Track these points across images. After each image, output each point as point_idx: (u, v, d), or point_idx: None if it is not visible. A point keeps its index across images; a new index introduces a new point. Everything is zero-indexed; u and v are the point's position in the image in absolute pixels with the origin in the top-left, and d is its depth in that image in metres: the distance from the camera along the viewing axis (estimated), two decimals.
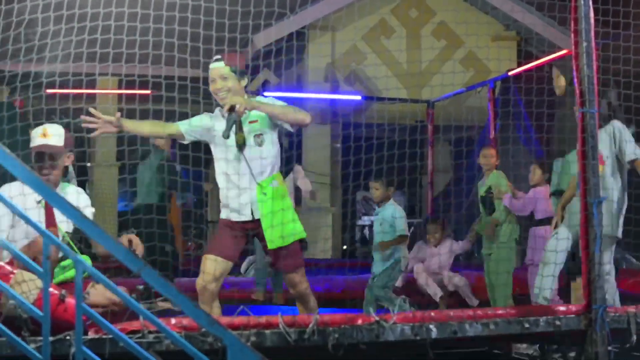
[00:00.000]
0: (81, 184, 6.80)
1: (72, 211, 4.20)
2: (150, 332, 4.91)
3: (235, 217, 6.71)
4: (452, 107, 14.03)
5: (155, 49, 7.17)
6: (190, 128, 6.81)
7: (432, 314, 5.87)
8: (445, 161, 16.22)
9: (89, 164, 15.82)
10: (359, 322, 5.55)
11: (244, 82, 6.83)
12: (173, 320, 5.02)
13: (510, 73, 12.59)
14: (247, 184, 6.60)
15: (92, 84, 7.79)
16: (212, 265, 6.51)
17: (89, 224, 4.21)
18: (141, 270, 4.18)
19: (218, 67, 6.77)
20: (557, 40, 15.18)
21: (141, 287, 7.26)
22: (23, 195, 5.70)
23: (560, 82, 8.66)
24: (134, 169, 11.28)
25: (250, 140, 6.59)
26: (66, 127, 6.30)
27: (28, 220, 4.32)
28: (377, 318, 5.58)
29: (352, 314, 5.66)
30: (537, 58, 13.10)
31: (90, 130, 6.43)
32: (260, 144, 6.60)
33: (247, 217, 6.66)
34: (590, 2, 6.27)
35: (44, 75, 6.81)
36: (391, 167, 8.93)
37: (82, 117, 6.41)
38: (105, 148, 15.26)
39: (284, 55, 10.92)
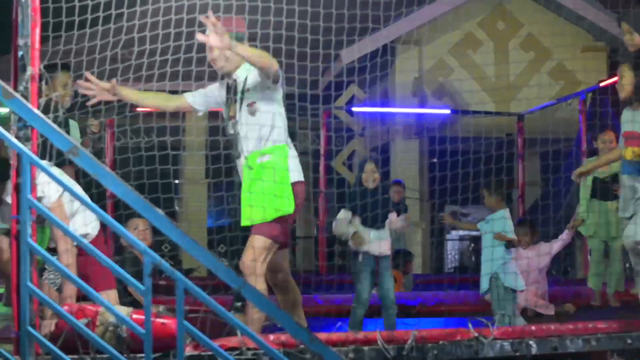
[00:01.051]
0: (169, 201, 6.78)
1: (173, 229, 4.22)
2: (248, 349, 4.92)
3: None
4: (541, 119, 13.87)
5: None
6: (197, 98, 6.53)
7: (533, 328, 5.78)
8: (535, 174, 16.04)
9: (177, 181, 15.98)
10: (458, 337, 5.49)
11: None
12: (271, 337, 5.02)
13: (601, 84, 12.40)
14: (241, 157, 6.29)
15: None
16: None
17: (190, 242, 4.22)
18: (242, 288, 4.18)
19: None
20: None
21: (239, 304, 7.28)
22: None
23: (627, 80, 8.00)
24: (224, 186, 11.29)
25: (243, 110, 6.27)
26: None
27: (128, 237, 4.35)
28: (476, 334, 5.52)
29: (450, 329, 5.60)
30: None
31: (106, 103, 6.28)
32: (253, 114, 6.26)
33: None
34: None
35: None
36: (480, 181, 8.84)
37: (78, 82, 6.22)
38: (194, 165, 15.37)
39: (368, 70, 10.89)
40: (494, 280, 7.93)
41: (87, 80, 6.12)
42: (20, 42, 4.77)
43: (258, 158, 6.21)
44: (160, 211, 4.23)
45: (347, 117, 16.38)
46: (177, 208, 16.10)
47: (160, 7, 6.37)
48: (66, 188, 4.44)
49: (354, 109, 15.92)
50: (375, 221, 8.05)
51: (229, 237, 9.16)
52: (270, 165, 6.17)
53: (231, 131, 6.33)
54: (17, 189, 4.47)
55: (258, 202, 6.09)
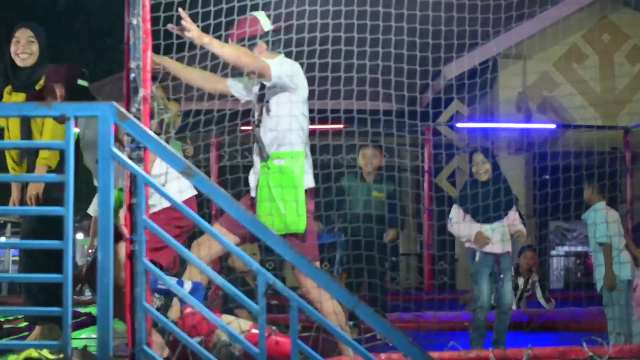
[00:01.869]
0: None
1: (287, 249, 4.22)
2: None
3: (252, 193, 6.31)
4: None
5: (347, 83, 7.21)
6: (237, 85, 6.45)
7: None
8: None
9: None
10: (572, 356, 5.39)
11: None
12: (383, 356, 5.00)
13: None
14: (257, 157, 6.23)
15: None
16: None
17: (304, 261, 4.22)
18: (355, 307, 4.16)
19: None
20: None
21: (351, 322, 7.25)
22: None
23: None
24: (323, 204, 11.23)
25: (263, 110, 6.21)
26: None
27: (242, 257, 4.38)
28: (590, 353, 5.41)
29: (563, 347, 5.51)
30: None
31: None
32: (267, 114, 6.19)
33: (253, 193, 6.28)
34: None
35: (239, 113, 6.94)
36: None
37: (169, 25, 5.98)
38: None
39: (471, 85, 10.82)
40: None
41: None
42: (132, 64, 4.83)
43: (274, 160, 6.15)
44: (273, 231, 4.24)
45: (451, 133, 16.28)
46: None
47: (269, 30, 6.41)
48: (179, 207, 4.48)
49: (458, 124, 15.81)
50: (492, 216, 7.73)
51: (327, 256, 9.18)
52: (285, 171, 6.10)
53: (255, 130, 6.29)
54: (131, 209, 4.53)
55: (277, 211, 6.05)
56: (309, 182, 6.27)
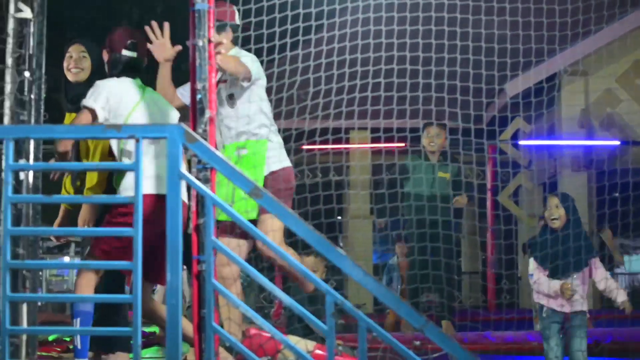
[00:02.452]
0: (334, 239, 6.76)
1: (355, 269, 4.22)
2: None
3: None
4: None
5: (400, 103, 7.22)
6: (184, 91, 6.36)
7: None
8: None
9: (339, 218, 16.08)
10: None
11: (229, 35, 6.39)
12: None
13: None
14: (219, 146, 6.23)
15: (347, 140, 7.93)
16: None
17: (372, 281, 4.21)
18: (424, 327, 4.14)
19: None
20: None
21: (418, 342, 7.20)
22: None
23: None
24: (390, 224, 11.22)
25: (225, 100, 6.25)
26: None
27: (310, 278, 4.38)
28: None
29: None
30: None
31: None
32: (232, 106, 6.25)
33: None
34: None
35: (305, 132, 6.95)
36: None
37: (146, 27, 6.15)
38: (358, 203, 15.47)
39: (533, 102, 10.73)
40: None
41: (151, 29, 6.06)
42: (199, 85, 4.87)
43: (236, 151, 6.19)
44: (341, 251, 4.24)
45: (513, 150, 16.17)
46: (340, 244, 16.22)
47: (334, 47, 6.44)
48: (250, 230, 4.49)
49: (520, 142, 15.71)
50: (565, 270, 7.06)
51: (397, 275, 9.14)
52: (247, 161, 6.14)
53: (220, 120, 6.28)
54: (198, 229, 4.56)
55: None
56: (272, 168, 6.29)
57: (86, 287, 5.82)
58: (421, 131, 9.09)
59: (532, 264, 7.27)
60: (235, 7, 6.48)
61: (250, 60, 6.24)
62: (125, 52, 6.14)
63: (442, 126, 9.00)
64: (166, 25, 6.01)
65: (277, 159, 6.35)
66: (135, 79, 6.12)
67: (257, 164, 6.21)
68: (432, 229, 8.63)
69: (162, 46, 6.03)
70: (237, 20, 6.48)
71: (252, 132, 6.23)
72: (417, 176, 8.94)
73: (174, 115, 6.12)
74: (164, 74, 6.21)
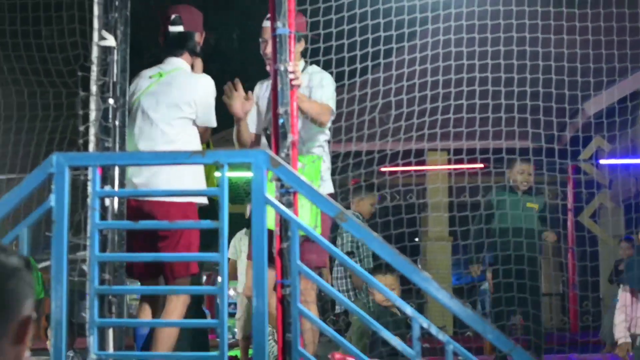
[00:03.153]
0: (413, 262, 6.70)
1: (440, 291, 4.20)
2: None
3: None
4: None
5: (482, 123, 7.18)
6: (252, 124, 6.33)
7: None
8: None
9: (417, 240, 16.03)
10: None
11: (300, 46, 6.16)
12: None
13: None
14: None
15: (422, 161, 7.89)
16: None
17: (458, 304, 4.18)
18: (512, 351, 4.10)
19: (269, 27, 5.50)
20: None
21: None
22: None
23: None
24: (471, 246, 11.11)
25: None
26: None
27: (396, 302, 4.36)
28: None
29: None
30: None
31: None
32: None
33: None
34: None
35: (375, 154, 6.93)
36: None
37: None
38: (438, 227, 15.41)
39: (613, 121, 10.60)
40: None
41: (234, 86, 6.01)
42: (281, 110, 4.90)
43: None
44: (427, 274, 4.22)
45: (594, 170, 15.96)
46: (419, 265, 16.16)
47: (416, 69, 6.44)
48: (339, 256, 4.50)
49: (601, 161, 15.50)
50: None
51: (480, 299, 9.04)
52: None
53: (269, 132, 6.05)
54: (282, 253, 4.58)
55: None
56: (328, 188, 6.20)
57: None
58: (505, 166, 8.74)
59: (621, 291, 7.18)
60: (305, 18, 6.43)
61: (330, 92, 6.14)
62: (172, 28, 6.09)
63: (529, 161, 8.70)
64: (237, 81, 5.96)
65: (330, 182, 6.30)
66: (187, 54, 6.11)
67: (312, 180, 5.96)
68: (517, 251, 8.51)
69: (240, 100, 5.96)
70: (307, 30, 6.48)
71: (309, 150, 6.13)
72: (502, 211, 8.70)
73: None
74: (243, 128, 6.18)
